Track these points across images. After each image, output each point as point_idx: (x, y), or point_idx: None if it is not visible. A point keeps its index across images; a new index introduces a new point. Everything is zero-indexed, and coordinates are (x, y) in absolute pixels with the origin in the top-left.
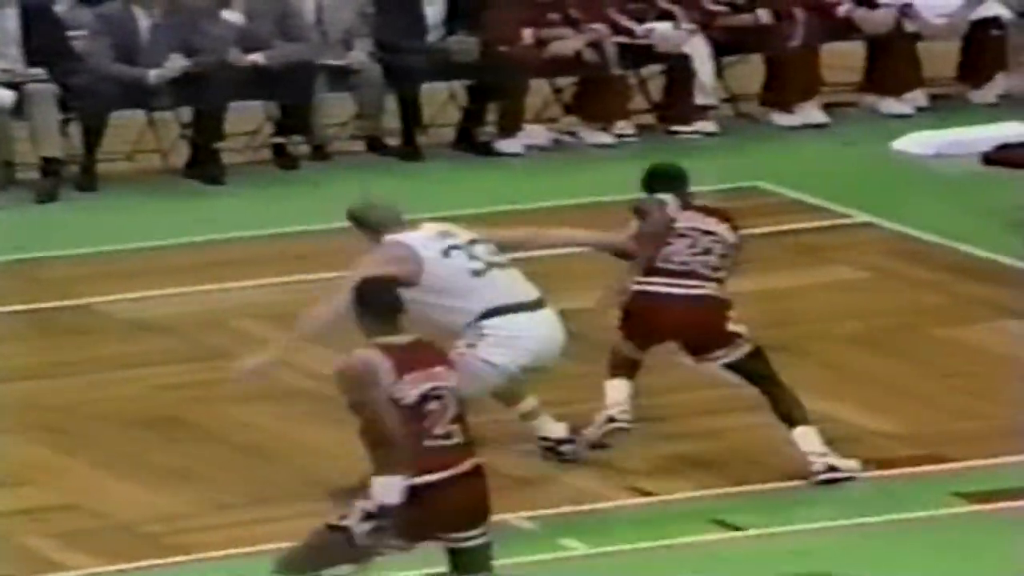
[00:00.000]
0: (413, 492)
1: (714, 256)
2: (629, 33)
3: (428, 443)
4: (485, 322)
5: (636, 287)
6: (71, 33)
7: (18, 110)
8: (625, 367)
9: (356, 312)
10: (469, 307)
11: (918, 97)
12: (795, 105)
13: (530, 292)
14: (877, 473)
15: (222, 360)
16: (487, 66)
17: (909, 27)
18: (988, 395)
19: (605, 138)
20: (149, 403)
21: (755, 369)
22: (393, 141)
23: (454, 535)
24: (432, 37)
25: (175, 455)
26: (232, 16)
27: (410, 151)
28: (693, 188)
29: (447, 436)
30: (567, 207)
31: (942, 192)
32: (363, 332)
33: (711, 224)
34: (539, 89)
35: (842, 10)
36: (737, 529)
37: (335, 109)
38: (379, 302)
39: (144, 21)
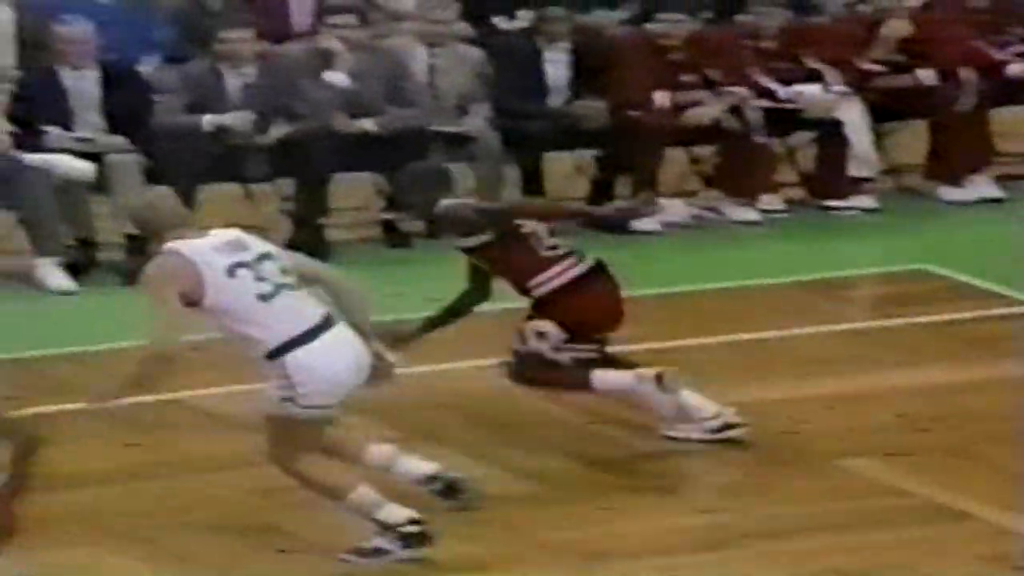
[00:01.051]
0: None
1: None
2: (774, 97)
3: None
4: (286, 358)
5: (548, 285)
6: (157, 97)
7: (99, 183)
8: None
9: None
10: (260, 337)
11: None
12: (964, 177)
13: (317, 312)
14: None
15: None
16: (617, 133)
17: None
18: None
19: (750, 214)
20: (242, 508)
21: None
22: None
23: None
24: (556, 101)
25: (271, 567)
26: (336, 78)
27: None
28: (848, 271)
29: None
30: (709, 291)
31: None
32: None
33: None
34: (676, 159)
35: (1015, 70)
36: None
37: None
38: None
39: (234, 81)
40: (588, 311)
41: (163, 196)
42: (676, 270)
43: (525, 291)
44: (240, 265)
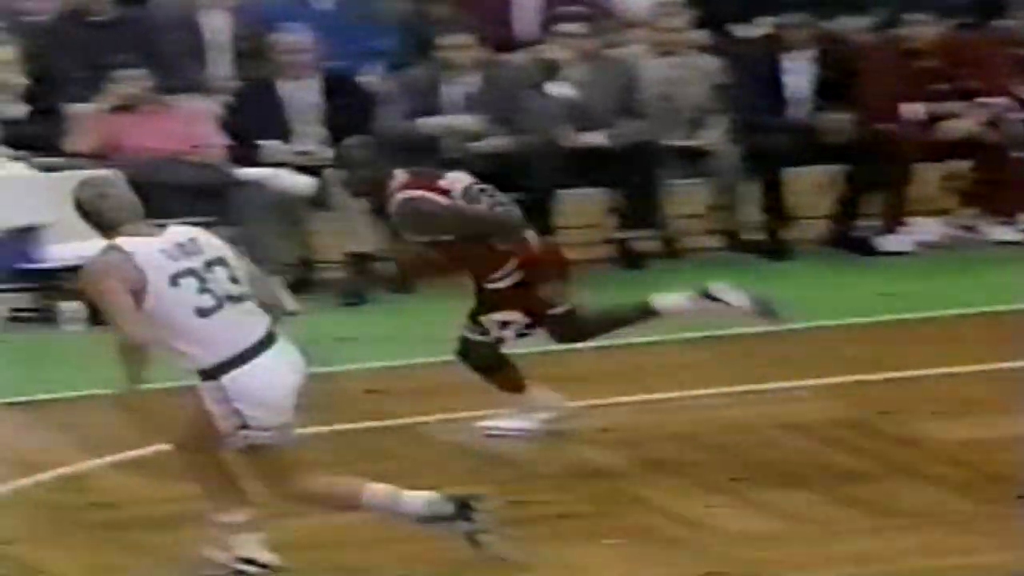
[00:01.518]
0: None
1: None
2: None
3: None
4: (223, 380)
5: (505, 281)
6: (378, 107)
7: (318, 198)
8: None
9: None
10: (193, 353)
11: None
12: None
13: (260, 327)
14: None
15: (568, 494)
16: (863, 148)
17: None
18: None
19: (1010, 234)
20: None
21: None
22: (754, 236)
23: None
24: (797, 113)
25: None
26: (560, 89)
27: (775, 248)
28: None
29: None
30: (964, 316)
31: None
32: None
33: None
34: (928, 175)
35: None
36: None
37: (686, 198)
38: None
39: (454, 89)
40: (537, 290)
41: (115, 184)
42: (928, 293)
43: (480, 286)
44: (187, 273)
